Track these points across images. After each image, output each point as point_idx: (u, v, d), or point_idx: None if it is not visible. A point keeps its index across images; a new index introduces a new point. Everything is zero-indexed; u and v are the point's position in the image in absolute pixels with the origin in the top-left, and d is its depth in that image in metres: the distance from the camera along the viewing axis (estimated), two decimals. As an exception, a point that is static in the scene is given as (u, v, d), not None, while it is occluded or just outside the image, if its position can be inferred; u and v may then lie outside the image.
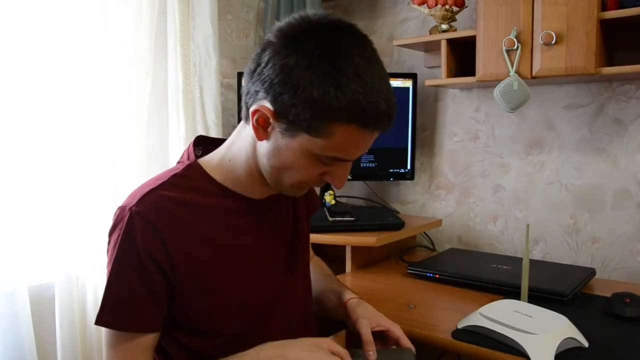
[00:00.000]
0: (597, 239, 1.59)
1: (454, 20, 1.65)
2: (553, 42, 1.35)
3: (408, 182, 1.96)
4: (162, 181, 0.82)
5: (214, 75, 1.66)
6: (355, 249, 1.54)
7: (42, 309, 1.32)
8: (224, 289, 0.84)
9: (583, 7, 1.32)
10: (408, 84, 1.78)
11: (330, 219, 1.57)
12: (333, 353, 0.80)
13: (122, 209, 0.80)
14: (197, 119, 1.64)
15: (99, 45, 1.36)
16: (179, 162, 0.90)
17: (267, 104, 0.74)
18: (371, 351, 0.87)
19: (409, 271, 1.47)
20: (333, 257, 1.39)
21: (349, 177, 1.81)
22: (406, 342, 0.91)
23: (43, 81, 1.29)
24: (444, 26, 1.62)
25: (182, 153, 0.92)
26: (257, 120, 0.76)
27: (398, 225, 1.59)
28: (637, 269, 1.52)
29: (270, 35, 0.77)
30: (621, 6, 1.32)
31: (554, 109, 1.64)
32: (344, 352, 0.81)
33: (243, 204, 0.87)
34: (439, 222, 1.80)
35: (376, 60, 0.75)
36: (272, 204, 0.92)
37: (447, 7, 1.60)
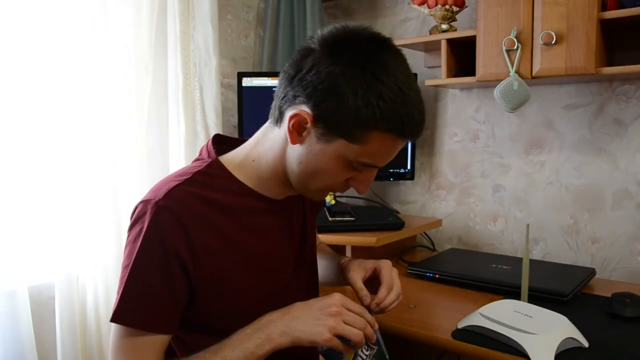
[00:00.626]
0: (597, 239, 1.59)
1: (454, 20, 1.65)
2: (553, 42, 1.35)
3: (408, 182, 1.96)
4: (186, 177, 0.82)
5: (214, 75, 1.66)
6: (355, 249, 1.54)
7: (42, 309, 1.32)
8: (242, 288, 0.85)
9: (583, 7, 1.32)
10: (408, 84, 1.78)
11: (330, 219, 1.57)
12: (346, 321, 0.78)
13: (145, 203, 0.79)
14: (197, 119, 1.64)
15: (99, 45, 1.36)
16: (198, 160, 0.90)
17: (307, 109, 0.77)
18: (365, 296, 0.90)
19: (409, 271, 1.47)
20: (333, 257, 1.39)
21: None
22: (388, 280, 0.94)
23: (43, 82, 1.29)
24: (444, 26, 1.62)
25: (199, 150, 0.92)
26: (293, 125, 0.78)
27: (398, 225, 1.59)
28: (637, 269, 1.52)
29: (311, 43, 0.79)
30: (621, 6, 1.32)
31: (554, 109, 1.64)
32: (358, 311, 0.81)
33: (263, 204, 0.88)
34: (439, 222, 1.80)
35: (411, 73, 0.80)
36: (287, 204, 0.93)
37: (447, 7, 1.60)
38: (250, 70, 1.98)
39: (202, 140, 1.65)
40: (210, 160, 0.87)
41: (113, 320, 0.78)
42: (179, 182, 0.81)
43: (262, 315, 0.83)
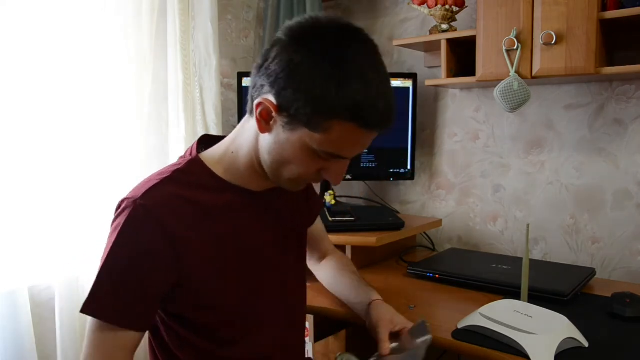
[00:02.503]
0: (597, 239, 1.59)
1: (454, 20, 1.65)
2: (553, 42, 1.35)
3: (408, 182, 1.96)
4: (165, 176, 0.83)
5: (214, 75, 1.66)
6: (355, 249, 1.54)
7: (42, 309, 1.32)
8: (225, 282, 0.85)
9: (583, 7, 1.32)
10: (408, 84, 1.78)
11: (330, 219, 1.57)
12: None
13: (126, 200, 0.80)
14: (197, 119, 1.64)
15: (99, 45, 1.36)
16: (180, 158, 0.92)
17: (271, 98, 0.77)
18: (386, 349, 0.93)
19: (409, 271, 1.47)
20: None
21: (349, 177, 1.82)
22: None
23: (43, 83, 1.29)
24: (444, 26, 1.62)
25: (185, 151, 0.94)
26: (260, 113, 0.79)
27: (398, 225, 1.59)
28: (637, 269, 1.52)
29: (280, 33, 0.79)
30: (621, 6, 1.32)
31: (554, 109, 1.64)
32: None
33: (242, 197, 0.89)
34: (439, 222, 1.80)
35: (379, 63, 0.78)
36: (268, 197, 0.92)
37: (447, 7, 1.60)
38: (250, 70, 1.98)
39: (202, 140, 1.65)
40: (190, 158, 0.88)
41: (82, 311, 0.78)
42: (158, 181, 0.82)
43: (251, 298, 0.87)
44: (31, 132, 1.28)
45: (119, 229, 0.78)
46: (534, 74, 1.41)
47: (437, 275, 1.41)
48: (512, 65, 1.42)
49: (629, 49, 1.47)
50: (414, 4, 1.66)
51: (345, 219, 1.57)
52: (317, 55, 0.74)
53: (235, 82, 1.81)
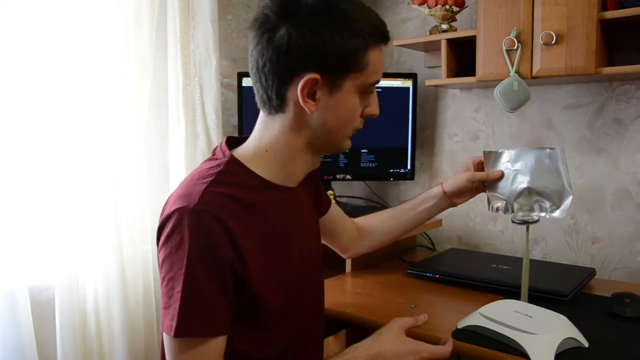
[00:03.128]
0: (597, 239, 1.59)
1: (454, 20, 1.65)
2: (553, 42, 1.35)
3: (408, 182, 1.96)
4: (210, 179, 0.82)
5: (214, 75, 1.66)
6: (355, 249, 1.54)
7: (42, 309, 1.32)
8: (279, 279, 0.87)
9: (583, 7, 1.32)
10: (408, 84, 1.78)
11: (330, 219, 1.56)
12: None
13: (179, 211, 0.77)
14: (197, 119, 1.64)
15: (99, 45, 1.36)
16: (211, 159, 0.90)
17: (310, 74, 0.80)
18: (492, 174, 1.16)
19: (409, 271, 1.47)
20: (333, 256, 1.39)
21: (349, 177, 1.82)
22: None
23: (43, 83, 1.29)
24: (444, 26, 1.62)
25: (213, 150, 0.93)
26: (307, 94, 0.81)
27: (398, 225, 1.59)
28: (637, 269, 1.52)
29: (265, 24, 0.81)
30: (621, 6, 1.32)
31: (554, 109, 1.64)
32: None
33: (282, 194, 0.90)
34: (439, 222, 1.80)
35: None
36: (298, 191, 0.95)
37: (447, 7, 1.60)
38: (250, 70, 1.98)
39: (202, 140, 1.65)
40: (226, 158, 0.87)
41: (177, 335, 0.76)
42: (206, 184, 0.80)
43: (296, 296, 0.89)
44: (31, 132, 1.29)
45: (187, 240, 0.76)
46: (534, 74, 1.41)
47: (437, 275, 1.41)
48: (512, 65, 1.42)
49: (629, 49, 1.47)
50: (414, 4, 1.66)
51: (345, 219, 1.57)
52: (321, 13, 0.79)
53: (235, 82, 1.81)
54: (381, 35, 0.84)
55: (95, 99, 1.36)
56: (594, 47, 1.32)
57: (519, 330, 0.97)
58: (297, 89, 0.80)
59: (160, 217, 0.84)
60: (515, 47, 1.41)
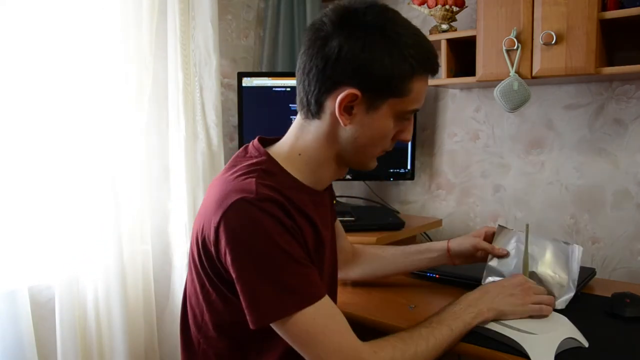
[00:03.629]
0: (597, 239, 1.59)
1: (454, 20, 1.65)
2: (553, 42, 1.35)
3: (408, 182, 1.96)
4: (256, 174, 0.84)
5: (214, 75, 1.66)
6: (355, 249, 1.54)
7: (42, 309, 1.32)
8: (320, 272, 0.91)
9: (583, 7, 1.32)
10: (408, 84, 1.78)
11: (330, 219, 1.57)
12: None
13: (240, 202, 0.79)
14: (197, 119, 1.64)
15: (99, 45, 1.36)
16: (246, 157, 0.92)
17: (352, 88, 0.82)
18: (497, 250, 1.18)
19: (409, 271, 1.47)
20: (333, 257, 1.39)
21: (349, 177, 1.82)
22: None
23: (43, 83, 1.29)
24: (444, 26, 1.62)
25: (245, 149, 0.95)
26: (344, 107, 0.84)
27: (398, 225, 1.59)
28: (637, 269, 1.52)
29: (319, 31, 0.83)
30: (621, 6, 1.32)
31: (554, 109, 1.64)
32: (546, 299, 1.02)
33: (314, 197, 0.93)
34: (439, 222, 1.80)
35: (407, 20, 0.87)
36: (325, 195, 0.99)
37: (447, 7, 1.60)
38: (250, 70, 1.98)
39: (202, 141, 1.65)
40: (264, 157, 0.89)
41: (289, 312, 0.79)
42: (255, 178, 0.83)
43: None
44: (31, 132, 1.28)
45: (257, 224, 0.78)
46: (534, 74, 1.41)
47: (437, 276, 1.41)
48: (512, 65, 1.42)
49: (629, 49, 1.47)
50: (414, 4, 1.66)
51: (345, 218, 1.57)
52: (375, 33, 0.81)
53: (235, 82, 1.81)
54: (430, 66, 0.85)
55: (95, 98, 1.36)
56: (593, 47, 1.32)
57: (519, 330, 0.97)
58: (336, 101, 0.83)
59: (205, 223, 0.84)
60: (515, 47, 1.41)
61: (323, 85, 0.83)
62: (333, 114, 0.84)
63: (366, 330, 1.03)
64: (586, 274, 1.36)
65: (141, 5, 1.46)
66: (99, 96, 1.37)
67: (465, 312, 0.96)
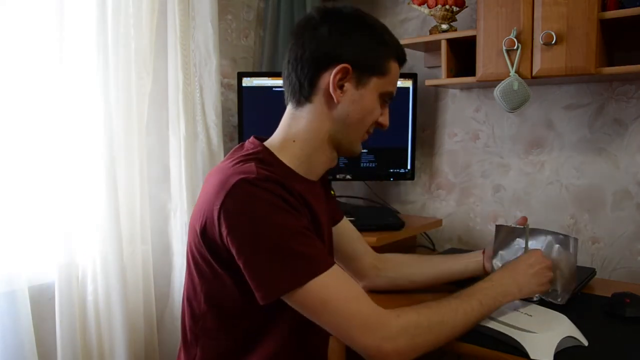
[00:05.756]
0: (597, 239, 1.59)
1: (454, 20, 1.65)
2: (553, 42, 1.35)
3: (408, 182, 1.96)
4: (252, 162, 0.86)
5: (214, 75, 1.66)
6: (355, 249, 1.53)
7: (42, 309, 1.32)
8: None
9: (583, 7, 1.32)
10: (408, 84, 1.78)
11: (330, 219, 1.56)
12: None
13: (242, 182, 0.80)
14: (197, 119, 1.64)
15: (98, 45, 1.36)
16: (243, 151, 0.93)
17: (343, 64, 0.89)
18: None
19: (409, 271, 1.47)
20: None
21: (349, 177, 1.82)
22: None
23: (43, 81, 1.29)
24: (444, 26, 1.62)
25: (241, 146, 0.97)
26: (338, 81, 0.90)
27: (398, 225, 1.59)
28: (637, 269, 1.52)
29: (308, 23, 0.92)
30: (621, 6, 1.32)
31: (554, 109, 1.64)
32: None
33: (308, 187, 0.94)
34: (439, 222, 1.80)
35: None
36: (319, 186, 1.01)
37: (447, 7, 1.60)
38: (250, 70, 1.98)
39: (202, 141, 1.65)
40: (259, 147, 0.92)
41: (311, 277, 0.80)
42: (253, 162, 0.85)
43: None
44: (31, 131, 1.28)
45: (262, 200, 0.80)
46: (534, 74, 1.41)
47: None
48: (512, 65, 1.42)
49: (629, 49, 1.47)
50: (414, 4, 1.66)
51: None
52: (355, 21, 0.92)
53: (235, 82, 1.81)
54: (402, 54, 0.97)
55: (95, 98, 1.36)
56: (593, 47, 1.32)
57: (518, 328, 0.97)
58: (330, 76, 0.89)
59: (205, 212, 0.84)
60: (515, 47, 1.41)
61: (318, 63, 0.90)
62: (326, 92, 0.91)
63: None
64: (586, 274, 1.36)
65: (141, 5, 1.46)
66: (98, 96, 1.37)
67: (495, 289, 0.97)
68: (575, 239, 1.13)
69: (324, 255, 0.84)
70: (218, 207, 0.81)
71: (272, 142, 0.96)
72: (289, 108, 0.96)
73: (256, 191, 0.80)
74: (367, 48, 0.91)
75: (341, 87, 0.91)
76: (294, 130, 0.94)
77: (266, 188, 0.80)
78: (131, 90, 1.45)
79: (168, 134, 1.60)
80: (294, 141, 0.94)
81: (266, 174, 0.83)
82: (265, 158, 0.90)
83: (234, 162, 0.88)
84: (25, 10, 1.25)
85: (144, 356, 1.50)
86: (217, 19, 1.66)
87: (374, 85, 0.93)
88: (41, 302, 1.32)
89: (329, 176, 1.79)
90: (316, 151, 0.95)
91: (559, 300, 1.12)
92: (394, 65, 0.95)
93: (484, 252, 1.22)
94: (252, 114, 1.73)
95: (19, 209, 1.26)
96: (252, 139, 0.97)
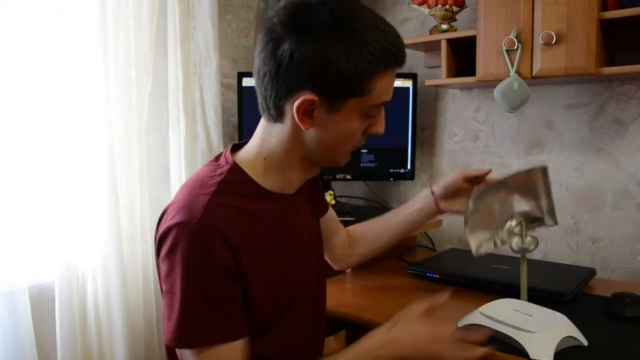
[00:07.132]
0: (597, 239, 1.59)
1: (454, 20, 1.65)
2: (553, 42, 1.35)
3: (408, 182, 1.96)
4: (212, 189, 0.81)
5: (214, 75, 1.66)
6: (355, 249, 1.53)
7: (42, 309, 1.32)
8: (280, 289, 0.88)
9: (583, 7, 1.32)
10: (408, 84, 1.78)
11: (330, 219, 1.56)
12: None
13: (181, 225, 0.77)
14: (197, 119, 1.64)
15: (98, 45, 1.36)
16: (214, 165, 0.89)
17: (308, 93, 0.77)
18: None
19: (409, 271, 1.47)
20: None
21: (349, 177, 1.82)
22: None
23: (43, 81, 1.29)
24: (444, 26, 1.62)
25: (217, 157, 0.92)
26: (303, 112, 0.79)
27: (398, 225, 1.58)
28: (637, 269, 1.52)
29: (271, 33, 0.79)
30: (621, 6, 1.32)
31: (554, 109, 1.64)
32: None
33: (280, 203, 0.89)
34: (439, 222, 1.80)
35: (375, 13, 0.82)
36: (296, 198, 0.94)
37: (447, 7, 1.60)
38: (250, 70, 1.97)
39: (202, 141, 1.65)
40: (229, 165, 0.86)
41: (179, 346, 0.78)
42: (209, 195, 0.80)
43: (286, 310, 0.88)
44: (31, 132, 1.29)
45: (188, 258, 0.76)
46: (534, 74, 1.41)
47: (437, 275, 1.41)
48: (512, 65, 1.42)
49: (629, 49, 1.47)
50: (414, 4, 1.66)
51: (345, 219, 1.57)
52: (328, 31, 0.75)
53: (235, 82, 1.81)
54: (393, 60, 0.80)
55: (95, 98, 1.36)
56: (594, 47, 1.32)
57: (518, 328, 0.97)
58: (294, 107, 0.78)
59: (160, 226, 0.83)
60: (515, 47, 1.41)
61: (279, 91, 0.79)
62: (294, 118, 0.80)
63: (366, 330, 1.03)
64: (586, 274, 1.36)
65: (141, 5, 1.46)
66: (99, 96, 1.37)
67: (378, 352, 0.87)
68: (543, 167, 1.14)
69: (224, 325, 0.79)
70: (158, 235, 0.82)
71: (246, 157, 0.89)
72: (262, 120, 0.88)
73: (183, 243, 0.76)
74: (339, 70, 0.76)
75: (310, 113, 0.79)
76: (265, 146, 0.87)
77: (193, 241, 0.76)
78: (131, 90, 1.45)
79: (168, 134, 1.60)
80: (265, 159, 0.87)
81: (207, 221, 0.77)
82: (232, 179, 0.85)
83: (197, 184, 0.84)
84: (25, 10, 1.25)
85: (144, 356, 1.50)
86: (217, 19, 1.66)
87: (353, 105, 0.80)
88: (41, 302, 1.32)
89: (329, 176, 1.80)
90: (291, 169, 0.88)
91: (549, 222, 1.14)
92: (380, 80, 0.80)
93: (432, 192, 1.19)
94: (252, 114, 1.71)
95: (19, 209, 1.26)
96: (227, 152, 0.90)
